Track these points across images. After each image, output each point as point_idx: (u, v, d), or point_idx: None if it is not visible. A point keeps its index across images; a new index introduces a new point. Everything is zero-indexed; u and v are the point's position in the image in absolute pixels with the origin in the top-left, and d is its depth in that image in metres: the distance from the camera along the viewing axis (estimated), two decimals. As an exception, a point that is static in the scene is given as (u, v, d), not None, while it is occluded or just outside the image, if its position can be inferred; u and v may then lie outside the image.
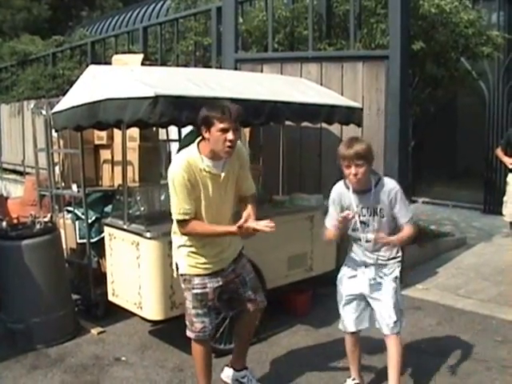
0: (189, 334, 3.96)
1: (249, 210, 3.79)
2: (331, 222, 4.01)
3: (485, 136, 11.03)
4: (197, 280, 3.84)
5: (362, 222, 3.96)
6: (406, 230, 3.94)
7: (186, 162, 3.65)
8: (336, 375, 4.52)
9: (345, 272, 4.20)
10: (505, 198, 7.81)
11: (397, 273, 4.05)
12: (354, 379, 4.30)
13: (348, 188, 3.97)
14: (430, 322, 5.70)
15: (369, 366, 4.66)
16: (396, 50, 6.55)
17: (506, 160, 7.70)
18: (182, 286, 3.92)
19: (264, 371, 4.70)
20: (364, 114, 6.16)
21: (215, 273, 3.88)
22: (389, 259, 4.04)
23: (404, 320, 4.13)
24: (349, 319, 4.19)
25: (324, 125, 6.38)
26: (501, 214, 8.13)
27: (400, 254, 4.08)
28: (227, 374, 4.35)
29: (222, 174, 3.74)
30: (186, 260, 3.84)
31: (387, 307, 4.02)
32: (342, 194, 4.01)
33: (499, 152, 7.92)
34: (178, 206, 3.65)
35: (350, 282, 4.14)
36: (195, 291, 3.85)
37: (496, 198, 10.58)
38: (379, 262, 4.03)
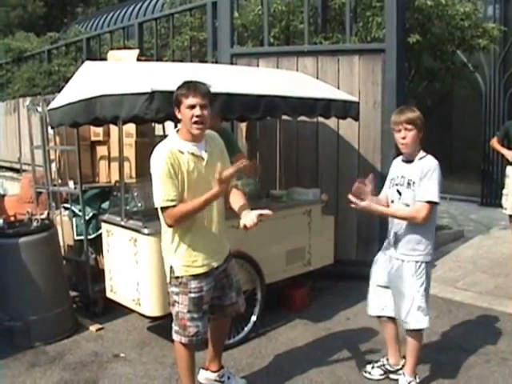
0: (180, 338, 3.85)
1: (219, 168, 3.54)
2: (383, 189, 4.27)
3: (481, 128, 11.04)
4: (194, 284, 3.76)
5: (398, 191, 4.10)
6: (405, 210, 4.02)
7: (168, 148, 3.65)
8: (335, 369, 4.53)
9: (378, 256, 4.35)
10: (505, 191, 7.77)
11: (412, 269, 4.04)
12: (387, 359, 4.44)
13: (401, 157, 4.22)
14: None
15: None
16: (392, 43, 6.54)
17: (506, 153, 7.65)
18: (175, 289, 3.81)
19: (263, 366, 4.69)
20: (360, 107, 6.14)
21: (210, 271, 3.82)
22: (408, 249, 4.06)
23: (424, 319, 4.10)
24: (369, 302, 4.38)
25: (321, 119, 6.36)
26: (498, 206, 8.13)
27: (424, 247, 4.06)
28: (205, 376, 4.29)
29: (205, 156, 3.72)
30: (182, 260, 3.76)
31: (402, 304, 4.10)
32: (395, 163, 4.26)
33: (496, 144, 7.88)
34: (163, 193, 3.58)
35: (378, 268, 4.29)
36: (192, 295, 3.77)
37: (493, 191, 10.63)
38: (401, 250, 4.08)
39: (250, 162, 5.87)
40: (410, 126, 3.96)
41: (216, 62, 7.69)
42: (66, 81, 5.77)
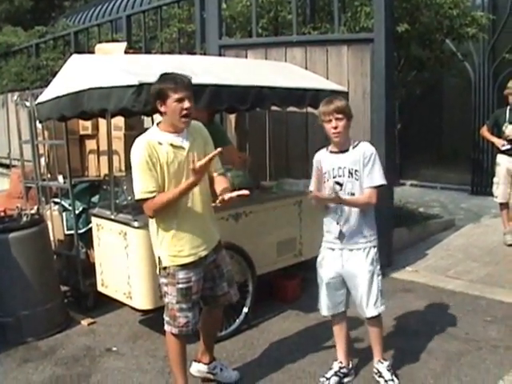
0: (170, 329, 3.85)
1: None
2: (313, 186, 4.06)
3: (471, 117, 11.05)
4: (181, 274, 3.76)
5: (337, 183, 4.01)
6: (362, 197, 3.99)
7: (147, 140, 3.66)
8: (327, 359, 4.52)
9: (324, 254, 4.23)
10: (495, 179, 7.80)
11: (372, 255, 4.07)
12: (340, 362, 4.30)
13: (327, 150, 4.14)
14: (420, 304, 5.72)
15: (358, 348, 4.68)
16: (381, 33, 6.52)
17: (496, 141, 7.68)
18: (164, 280, 3.82)
19: (255, 357, 4.70)
20: (350, 97, 6.13)
21: (199, 261, 3.82)
22: (364, 237, 4.05)
23: (384, 302, 4.14)
24: (324, 302, 4.25)
25: (310, 109, 6.35)
26: (489, 194, 8.15)
27: (372, 232, 4.10)
28: (197, 368, 4.29)
29: (186, 147, 3.72)
30: (168, 250, 3.76)
31: (363, 292, 4.06)
32: (321, 156, 4.16)
33: (486, 132, 7.92)
34: (142, 185, 3.61)
35: (328, 265, 4.17)
36: (180, 286, 3.77)
37: (483, 179, 10.65)
38: (353, 241, 4.05)
39: (240, 154, 5.88)
40: (339, 116, 3.92)
41: (204, 54, 7.67)
42: (54, 75, 5.74)
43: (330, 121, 3.94)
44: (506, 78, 8.43)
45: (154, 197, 3.62)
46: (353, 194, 4.00)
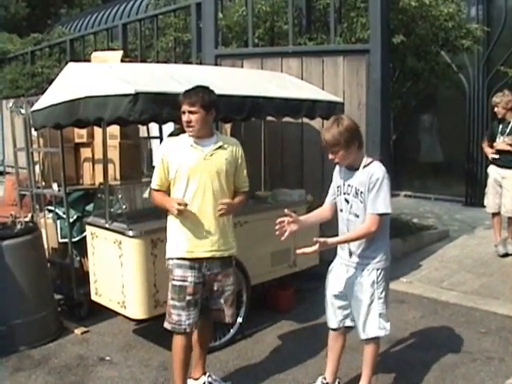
0: (165, 324, 4.00)
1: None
2: (328, 197, 4.15)
3: (465, 129, 11.09)
4: (177, 271, 3.92)
5: (346, 200, 3.92)
6: (359, 230, 3.82)
7: (172, 141, 4.16)
8: (321, 370, 4.48)
9: (334, 264, 4.16)
10: (486, 190, 7.88)
11: (373, 277, 3.88)
12: (324, 378, 4.21)
13: None
14: (414, 315, 5.72)
15: (351, 366, 4.67)
16: (376, 44, 6.55)
17: (488, 151, 7.76)
18: (169, 275, 4.01)
19: (249, 368, 4.68)
20: (345, 108, 6.14)
21: (196, 263, 3.91)
22: (366, 257, 3.91)
23: (383, 326, 3.97)
24: (330, 314, 4.14)
25: (305, 119, 6.36)
26: (483, 206, 8.18)
27: (381, 256, 3.91)
28: None
29: (205, 150, 3.95)
30: (170, 242, 4.01)
31: (361, 313, 3.94)
32: (339, 168, 4.06)
33: (484, 145, 8.00)
34: (153, 178, 4.05)
35: (336, 278, 4.06)
36: (174, 283, 3.93)
37: (477, 191, 10.66)
38: (359, 259, 3.93)
39: None
40: (334, 149, 3.76)
41: (200, 63, 7.67)
42: (50, 82, 5.73)
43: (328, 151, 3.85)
44: (500, 90, 8.45)
45: (159, 189, 4.02)
46: (357, 216, 3.85)
